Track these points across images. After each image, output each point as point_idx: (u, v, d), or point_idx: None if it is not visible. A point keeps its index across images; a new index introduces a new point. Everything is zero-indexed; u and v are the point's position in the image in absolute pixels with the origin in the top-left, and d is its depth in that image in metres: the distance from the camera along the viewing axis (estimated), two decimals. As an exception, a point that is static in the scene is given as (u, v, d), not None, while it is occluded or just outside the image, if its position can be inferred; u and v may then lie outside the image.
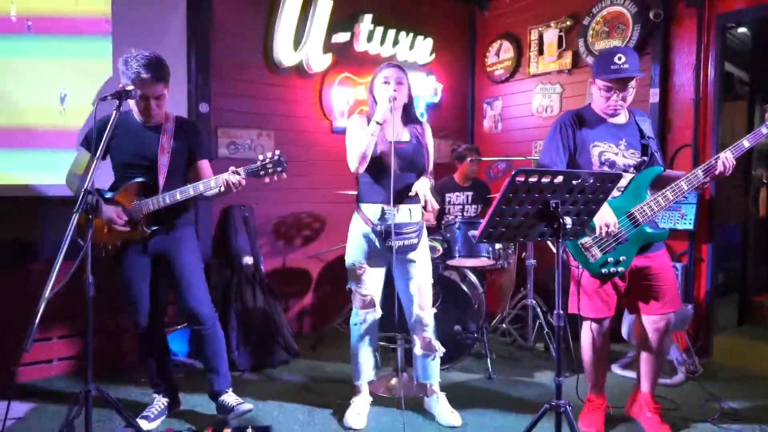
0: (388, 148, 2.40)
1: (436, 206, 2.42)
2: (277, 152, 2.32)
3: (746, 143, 2.22)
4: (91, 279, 1.93)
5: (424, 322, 2.55)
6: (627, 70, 2.25)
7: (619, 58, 2.26)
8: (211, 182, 2.32)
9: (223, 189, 2.32)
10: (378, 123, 2.36)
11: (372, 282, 2.53)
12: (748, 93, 4.55)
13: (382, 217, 2.44)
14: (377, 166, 2.42)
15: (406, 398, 2.84)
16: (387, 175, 2.40)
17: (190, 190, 2.33)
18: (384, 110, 2.36)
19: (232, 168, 2.30)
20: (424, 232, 2.59)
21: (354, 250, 2.52)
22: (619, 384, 3.03)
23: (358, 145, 2.38)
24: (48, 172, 3.04)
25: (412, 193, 2.43)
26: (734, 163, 2.19)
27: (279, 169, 2.32)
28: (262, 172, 2.31)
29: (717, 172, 2.18)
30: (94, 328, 1.99)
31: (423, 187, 2.41)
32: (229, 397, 2.56)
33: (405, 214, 2.46)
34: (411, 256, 2.49)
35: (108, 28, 3.22)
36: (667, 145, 3.76)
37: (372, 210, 2.46)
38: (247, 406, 2.53)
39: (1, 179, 2.99)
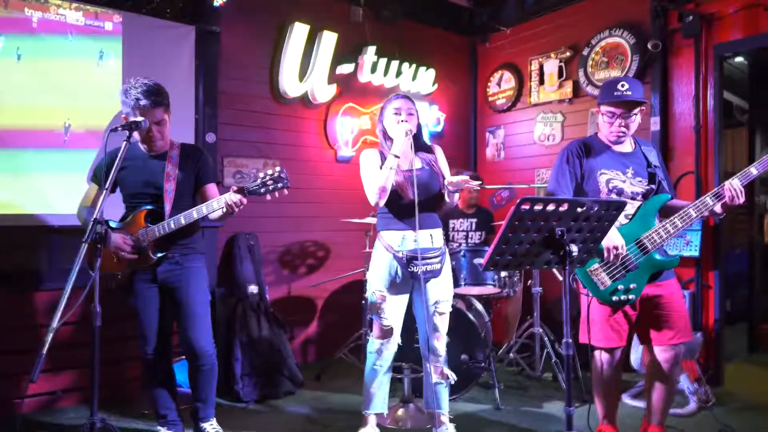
0: (402, 178, 2.44)
1: (467, 179, 2.35)
2: (278, 168, 2.28)
3: (754, 170, 2.20)
4: (99, 309, 1.93)
5: (438, 352, 2.54)
6: (629, 96, 2.29)
7: (623, 85, 2.31)
8: (213, 204, 2.32)
9: (225, 210, 2.31)
10: (397, 156, 2.40)
11: (393, 311, 2.52)
12: (747, 120, 4.60)
13: (404, 243, 2.45)
14: (394, 196, 2.45)
15: (413, 429, 2.80)
16: (404, 203, 2.45)
17: (194, 213, 2.33)
18: (401, 143, 2.41)
19: (233, 187, 2.31)
20: (447, 258, 2.59)
21: (377, 279, 2.52)
22: (629, 414, 2.98)
23: (377, 180, 2.42)
24: (50, 200, 3.08)
25: (447, 182, 2.40)
26: (742, 189, 2.17)
27: (280, 185, 2.27)
28: (262, 190, 2.28)
29: (726, 199, 2.17)
30: (99, 358, 1.97)
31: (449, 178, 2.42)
32: (211, 427, 2.56)
33: (426, 239, 2.47)
34: (434, 282, 2.49)
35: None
36: (669, 172, 3.78)
37: (393, 237, 2.48)
38: None
39: (5, 209, 3.01)
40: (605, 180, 2.36)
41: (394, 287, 2.50)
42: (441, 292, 2.51)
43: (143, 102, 2.30)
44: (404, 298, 2.55)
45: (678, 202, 2.38)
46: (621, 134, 2.36)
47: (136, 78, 2.36)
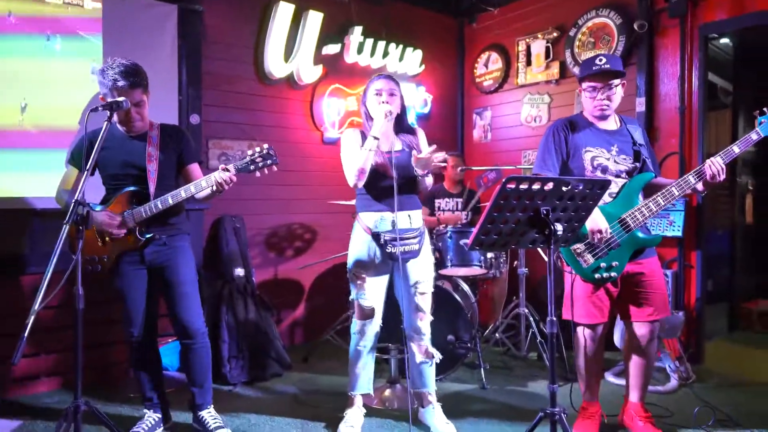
0: (382, 159, 2.43)
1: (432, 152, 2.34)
2: (266, 145, 2.29)
3: (736, 149, 2.24)
4: (81, 291, 1.90)
5: (421, 331, 2.55)
6: (608, 68, 2.31)
7: (600, 60, 2.34)
8: (201, 182, 2.30)
9: (214, 188, 2.29)
10: (376, 138, 2.39)
11: (373, 292, 2.52)
12: (731, 102, 4.62)
13: (382, 224, 2.44)
14: (372, 177, 2.44)
15: (399, 410, 2.82)
16: (383, 184, 2.44)
17: (181, 193, 2.31)
18: (381, 125, 2.40)
19: (221, 166, 2.28)
20: (426, 238, 2.59)
21: (355, 259, 2.52)
22: (612, 392, 3.03)
23: (356, 161, 2.41)
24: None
25: (414, 159, 2.40)
26: (723, 167, 2.20)
27: (269, 162, 2.29)
28: (252, 167, 2.28)
29: (707, 176, 2.20)
30: (83, 342, 1.95)
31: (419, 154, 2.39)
32: (209, 415, 2.52)
33: (405, 220, 2.47)
34: (413, 262, 2.49)
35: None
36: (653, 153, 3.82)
37: (371, 218, 2.48)
38: (225, 431, 2.49)
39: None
40: (590, 158, 2.37)
41: (373, 268, 2.50)
42: (420, 272, 2.52)
43: (121, 83, 2.24)
44: (384, 279, 2.55)
45: (662, 180, 2.40)
46: (605, 107, 2.37)
47: (113, 58, 2.30)
